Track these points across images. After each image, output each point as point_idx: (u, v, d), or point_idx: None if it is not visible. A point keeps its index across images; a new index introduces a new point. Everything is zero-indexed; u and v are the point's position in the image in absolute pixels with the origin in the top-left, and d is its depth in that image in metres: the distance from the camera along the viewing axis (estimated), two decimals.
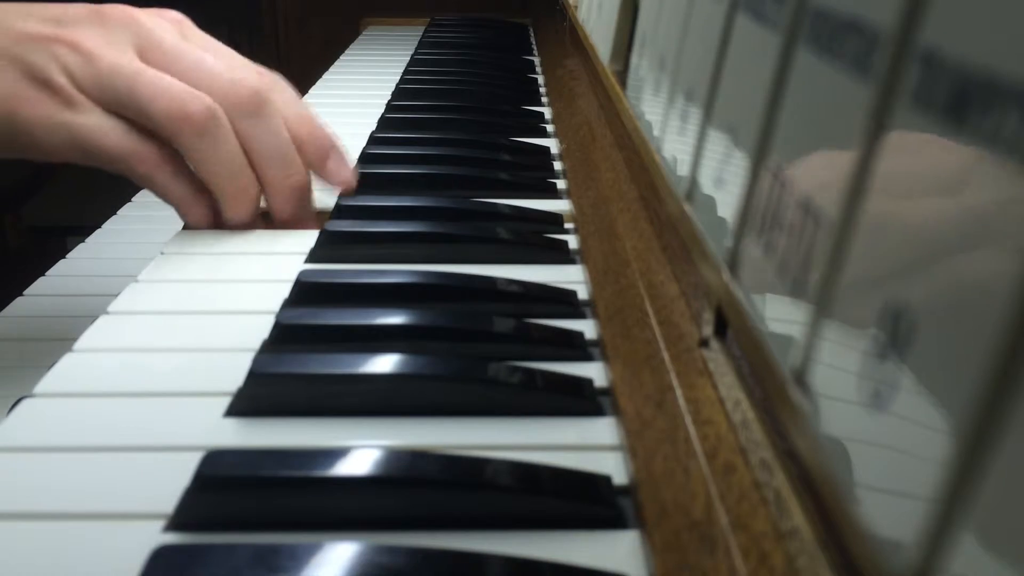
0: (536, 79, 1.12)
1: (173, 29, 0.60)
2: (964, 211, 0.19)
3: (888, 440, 0.20)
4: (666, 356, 0.38)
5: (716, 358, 0.34)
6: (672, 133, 0.44)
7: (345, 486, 0.34)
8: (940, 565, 0.17)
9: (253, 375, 0.40)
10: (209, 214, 0.60)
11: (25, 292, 0.79)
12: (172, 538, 0.33)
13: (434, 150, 0.75)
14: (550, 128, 0.89)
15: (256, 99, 0.59)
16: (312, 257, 0.57)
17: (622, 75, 0.62)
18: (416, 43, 1.35)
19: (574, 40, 0.96)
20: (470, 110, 0.91)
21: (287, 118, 0.61)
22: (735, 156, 0.33)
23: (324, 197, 0.64)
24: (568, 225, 0.63)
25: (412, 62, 1.19)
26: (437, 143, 0.78)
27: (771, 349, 0.27)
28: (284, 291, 0.50)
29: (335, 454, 0.34)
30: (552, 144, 0.82)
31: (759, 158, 0.31)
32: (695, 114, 0.40)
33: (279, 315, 0.46)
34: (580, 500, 0.35)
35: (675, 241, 0.42)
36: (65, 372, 0.44)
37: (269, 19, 2.06)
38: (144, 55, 0.58)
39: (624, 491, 0.36)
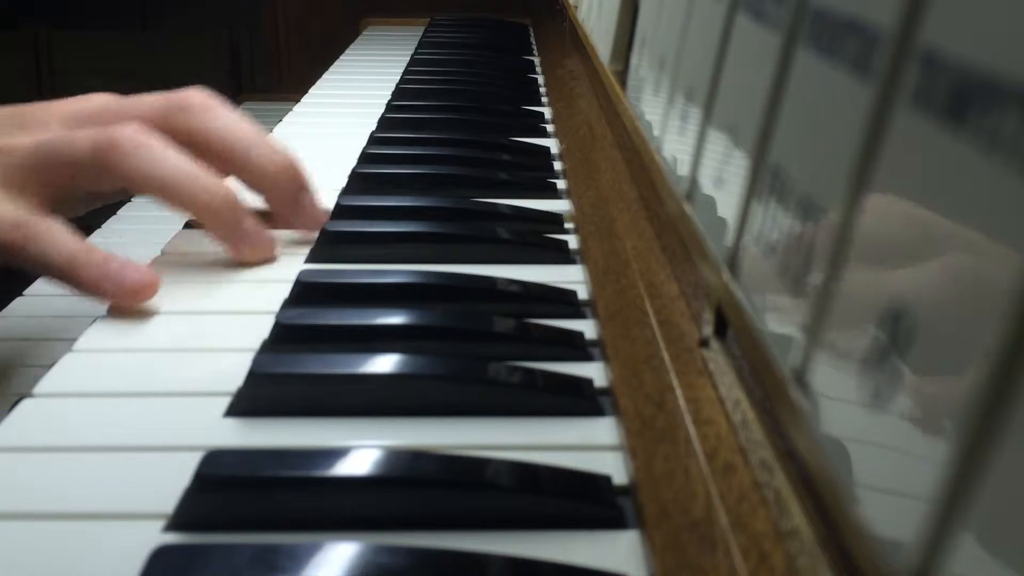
0: (536, 79, 1.12)
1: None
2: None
3: (888, 440, 0.20)
4: (666, 356, 0.38)
5: (716, 358, 0.34)
6: (672, 133, 0.44)
7: (345, 486, 0.34)
8: (940, 565, 0.17)
9: (253, 375, 0.40)
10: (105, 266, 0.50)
11: (25, 292, 0.79)
12: (172, 538, 0.33)
13: (434, 150, 0.75)
14: (550, 128, 0.89)
15: (185, 100, 0.56)
16: (312, 257, 0.57)
17: (622, 75, 0.62)
18: (416, 43, 1.35)
19: (574, 40, 0.96)
20: (470, 110, 0.91)
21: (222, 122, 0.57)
22: (735, 156, 0.33)
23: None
24: (568, 225, 0.63)
25: (412, 62, 1.19)
26: (437, 143, 0.78)
27: (771, 349, 0.27)
28: (284, 291, 0.50)
29: (335, 454, 0.34)
30: (552, 144, 0.82)
31: (759, 158, 0.31)
32: (695, 114, 0.40)
33: (279, 315, 0.46)
34: (580, 500, 0.35)
35: (675, 241, 0.42)
36: (65, 372, 0.44)
37: (269, 19, 2.06)
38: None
39: (624, 491, 0.36)
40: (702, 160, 0.38)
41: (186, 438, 0.38)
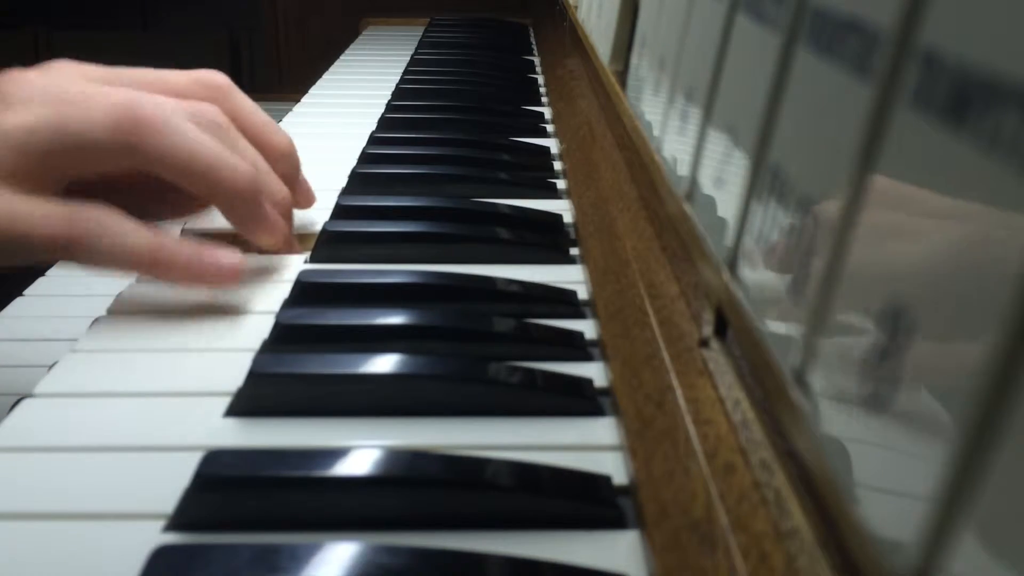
0: (536, 79, 1.12)
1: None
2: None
3: (888, 440, 0.20)
4: (666, 356, 0.38)
5: (716, 358, 0.34)
6: (672, 133, 0.44)
7: (345, 486, 0.34)
8: (940, 565, 0.17)
9: (253, 375, 0.40)
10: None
11: (25, 292, 0.79)
12: (172, 538, 0.33)
13: (434, 150, 0.75)
14: (550, 128, 0.89)
15: (212, 80, 0.55)
16: (312, 257, 0.57)
17: (622, 75, 0.62)
18: (416, 43, 1.35)
19: (574, 40, 0.96)
20: (470, 110, 0.91)
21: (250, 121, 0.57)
22: (735, 156, 0.33)
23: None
24: (568, 224, 0.63)
25: (412, 62, 1.19)
26: (437, 143, 0.78)
27: (771, 349, 0.27)
28: (284, 291, 0.50)
29: (335, 454, 0.34)
30: (552, 144, 0.82)
31: (759, 158, 0.31)
32: (695, 114, 0.40)
33: (279, 315, 0.46)
34: (580, 500, 0.35)
35: (675, 241, 0.42)
36: (65, 372, 0.44)
37: (269, 19, 2.06)
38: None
39: (624, 491, 0.36)
40: (702, 160, 0.38)
41: (186, 438, 0.38)
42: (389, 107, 0.92)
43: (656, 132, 0.47)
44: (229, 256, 0.49)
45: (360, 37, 1.52)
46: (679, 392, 0.35)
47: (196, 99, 0.53)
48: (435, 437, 0.39)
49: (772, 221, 0.29)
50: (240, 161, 0.51)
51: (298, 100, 1.02)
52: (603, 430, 0.40)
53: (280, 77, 2.06)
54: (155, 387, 0.42)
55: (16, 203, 0.45)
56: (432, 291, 0.50)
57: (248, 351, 0.43)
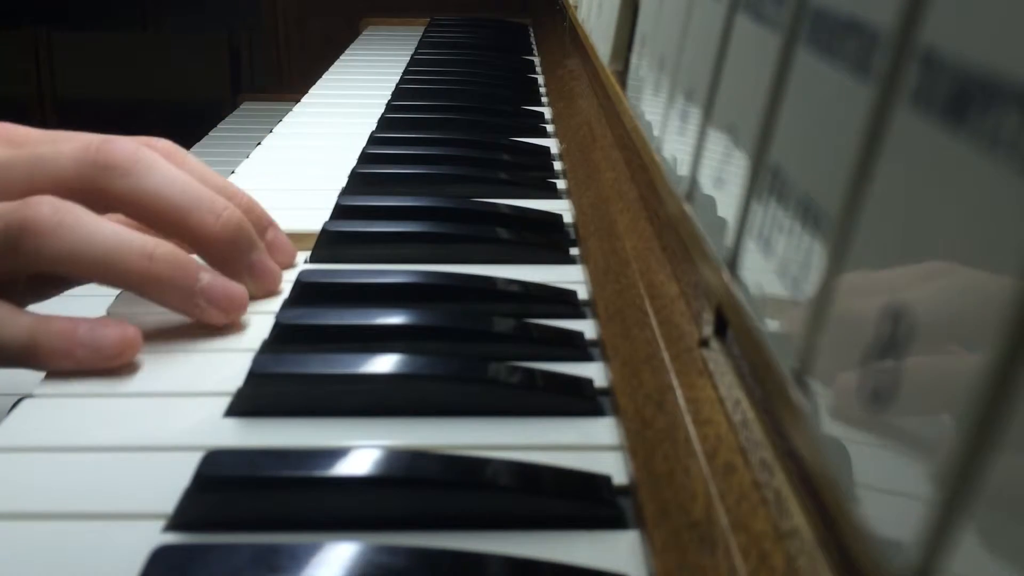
0: (536, 79, 1.12)
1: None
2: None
3: (888, 440, 0.20)
4: (666, 356, 0.38)
5: (716, 358, 0.34)
6: (672, 133, 0.44)
7: (345, 486, 0.34)
8: (940, 565, 0.17)
9: (253, 375, 0.40)
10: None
11: None
12: (172, 538, 0.33)
13: (434, 150, 0.75)
14: (550, 128, 0.89)
15: (107, 157, 0.46)
16: (312, 257, 0.57)
17: (622, 75, 0.62)
18: (416, 43, 1.35)
19: (574, 40, 0.96)
20: (470, 110, 0.91)
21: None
22: (735, 156, 0.33)
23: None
24: (568, 224, 0.63)
25: (412, 62, 1.19)
26: (437, 143, 0.78)
27: (771, 349, 0.27)
28: (284, 291, 0.50)
29: (335, 454, 0.34)
30: (552, 144, 0.82)
31: (759, 158, 0.31)
32: (695, 114, 0.40)
33: (279, 315, 0.46)
34: (580, 500, 0.35)
35: (675, 241, 0.42)
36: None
37: (269, 19, 2.06)
38: None
39: (624, 491, 0.36)
40: (702, 160, 0.38)
41: (186, 438, 0.38)
42: (389, 107, 0.92)
43: (656, 132, 0.47)
44: (112, 331, 0.43)
45: (360, 37, 1.52)
46: (679, 392, 0.35)
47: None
48: (435, 437, 0.39)
49: (772, 221, 0.29)
50: (156, 242, 0.45)
51: (298, 100, 1.02)
52: (603, 430, 0.40)
53: (280, 77, 2.07)
54: (155, 387, 0.42)
55: None
56: (432, 291, 0.50)
57: (248, 351, 0.43)
